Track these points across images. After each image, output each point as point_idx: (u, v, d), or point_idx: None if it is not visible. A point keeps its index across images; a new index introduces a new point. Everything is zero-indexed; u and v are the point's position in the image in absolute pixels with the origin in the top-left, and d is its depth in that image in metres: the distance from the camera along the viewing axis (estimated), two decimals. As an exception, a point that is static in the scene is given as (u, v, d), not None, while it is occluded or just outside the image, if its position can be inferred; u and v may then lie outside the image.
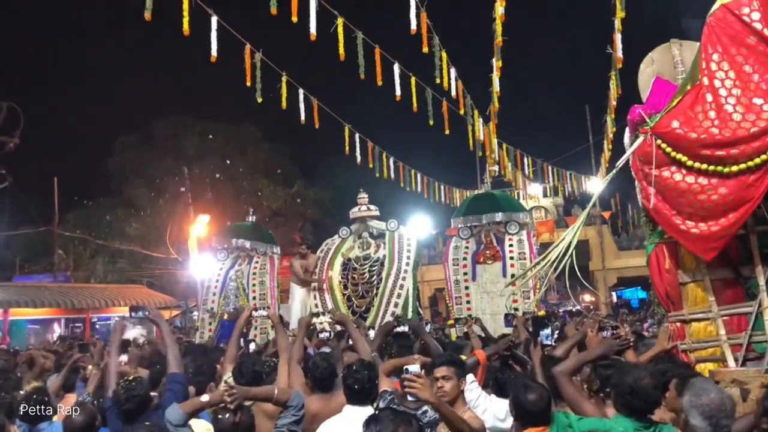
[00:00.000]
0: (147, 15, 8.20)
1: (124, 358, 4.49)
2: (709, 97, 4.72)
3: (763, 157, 4.49)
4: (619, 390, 3.03)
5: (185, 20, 8.44)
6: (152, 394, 3.82)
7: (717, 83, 4.74)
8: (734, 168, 4.57)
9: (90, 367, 4.55)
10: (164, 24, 9.23)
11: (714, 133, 4.62)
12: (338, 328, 7.01)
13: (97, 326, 20.20)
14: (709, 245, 4.72)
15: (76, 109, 35.71)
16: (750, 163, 4.52)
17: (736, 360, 4.87)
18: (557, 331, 8.18)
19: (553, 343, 4.67)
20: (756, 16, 4.64)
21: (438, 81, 11.08)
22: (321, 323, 9.29)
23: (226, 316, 10.47)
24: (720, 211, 4.62)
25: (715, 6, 4.82)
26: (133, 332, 11.83)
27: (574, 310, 18.54)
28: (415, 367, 3.05)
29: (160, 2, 8.32)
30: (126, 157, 30.05)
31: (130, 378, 3.60)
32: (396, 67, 11.02)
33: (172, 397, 3.65)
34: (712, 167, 4.64)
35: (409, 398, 2.99)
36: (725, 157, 4.59)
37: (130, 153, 30.02)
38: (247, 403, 3.99)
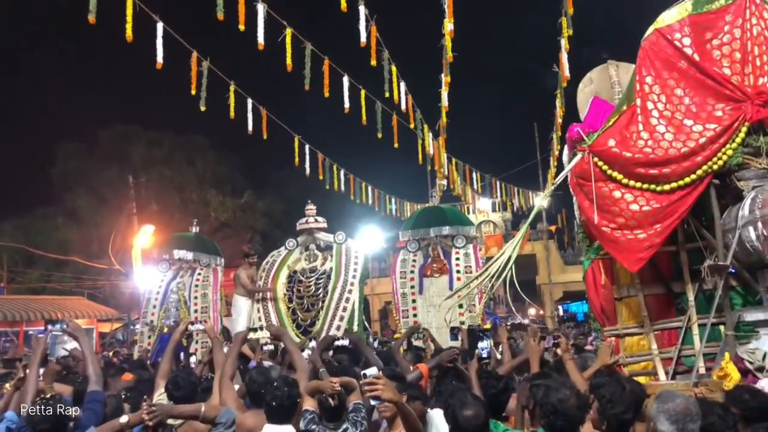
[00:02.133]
0: (91, 18, 7.96)
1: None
2: (643, 118, 4.88)
3: (693, 176, 4.67)
4: (543, 409, 3.04)
5: (128, 26, 8.24)
6: (75, 412, 3.63)
7: (650, 105, 4.90)
8: (666, 187, 4.72)
9: (7, 385, 4.30)
10: (109, 30, 9.00)
11: (647, 153, 4.78)
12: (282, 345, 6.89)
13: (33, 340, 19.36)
14: (636, 255, 4.82)
15: (16, 115, 34.46)
16: (681, 182, 4.68)
17: (666, 373, 5.00)
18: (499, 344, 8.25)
19: (488, 356, 4.68)
20: (687, 41, 4.83)
21: (387, 95, 11.12)
22: (263, 338, 9.12)
23: (165, 330, 10.15)
24: (649, 221, 4.75)
25: (649, 30, 5.00)
26: (71, 345, 11.32)
27: (520, 323, 18.80)
28: (372, 370, 3.06)
29: (104, 7, 8.10)
30: (69, 165, 29.11)
31: (47, 396, 3.41)
32: (345, 80, 11.01)
33: (92, 417, 3.48)
34: (645, 185, 4.78)
35: (373, 402, 2.97)
36: (658, 176, 4.74)
37: (73, 161, 29.10)
38: (178, 422, 3.87)
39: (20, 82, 36.44)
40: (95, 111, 30.30)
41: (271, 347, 7.98)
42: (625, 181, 4.80)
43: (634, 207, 4.76)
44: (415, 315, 10.21)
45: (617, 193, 4.83)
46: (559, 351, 4.49)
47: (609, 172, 4.86)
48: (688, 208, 4.70)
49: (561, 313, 30.24)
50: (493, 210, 30.48)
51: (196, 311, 10.34)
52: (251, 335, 8.80)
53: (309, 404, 3.66)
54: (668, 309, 5.25)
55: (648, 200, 4.73)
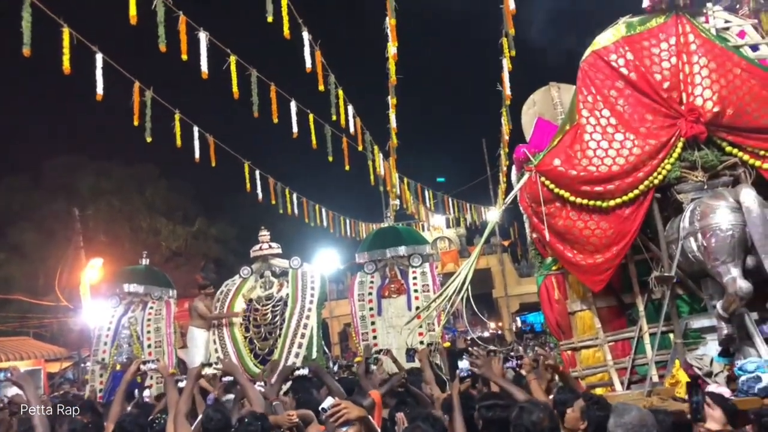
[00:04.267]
0: (26, 51, 7.73)
1: None
2: (586, 137, 5.03)
3: (636, 191, 4.84)
4: (517, 430, 3.05)
5: (65, 57, 8.04)
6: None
7: (592, 122, 5.07)
8: (611, 203, 4.88)
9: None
10: (48, 61, 8.77)
11: (592, 171, 4.93)
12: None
13: (-24, 384, 18.44)
14: (597, 277, 5.00)
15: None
16: (625, 198, 4.85)
17: (622, 383, 5.12)
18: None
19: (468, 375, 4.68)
20: (622, 62, 5.03)
21: (335, 118, 11.15)
22: (220, 372, 8.91)
23: (118, 367, 9.82)
24: (603, 244, 4.91)
25: (587, 52, 5.19)
26: (12, 391, 10.83)
27: (476, 338, 18.93)
28: (329, 401, 3.03)
29: (41, 39, 7.89)
30: (11, 199, 28.11)
31: None
32: (292, 105, 10.99)
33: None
34: (592, 202, 4.93)
35: (342, 429, 2.93)
36: (603, 193, 4.90)
37: (16, 195, 28.13)
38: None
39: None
40: (38, 143, 29.37)
41: (231, 378, 7.80)
42: (572, 198, 4.93)
43: (587, 233, 4.91)
44: (374, 337, 10.16)
45: (568, 222, 4.99)
46: (523, 371, 4.55)
47: (556, 190, 4.99)
48: (638, 227, 4.88)
49: (519, 324, 30.62)
50: (447, 226, 30.76)
51: (149, 346, 10.04)
52: (207, 370, 8.59)
53: None
54: (620, 320, 5.40)
55: (598, 223, 4.88)
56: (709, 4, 5.22)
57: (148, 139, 10.06)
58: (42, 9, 7.85)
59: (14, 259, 27.28)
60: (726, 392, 3.93)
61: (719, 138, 4.92)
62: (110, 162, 29.39)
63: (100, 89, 8.76)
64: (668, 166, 4.83)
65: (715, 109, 4.82)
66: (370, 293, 10.44)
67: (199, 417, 4.61)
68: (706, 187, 4.84)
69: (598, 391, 5.15)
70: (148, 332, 10.18)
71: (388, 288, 10.46)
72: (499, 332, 27.40)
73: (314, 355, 9.71)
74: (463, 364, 4.79)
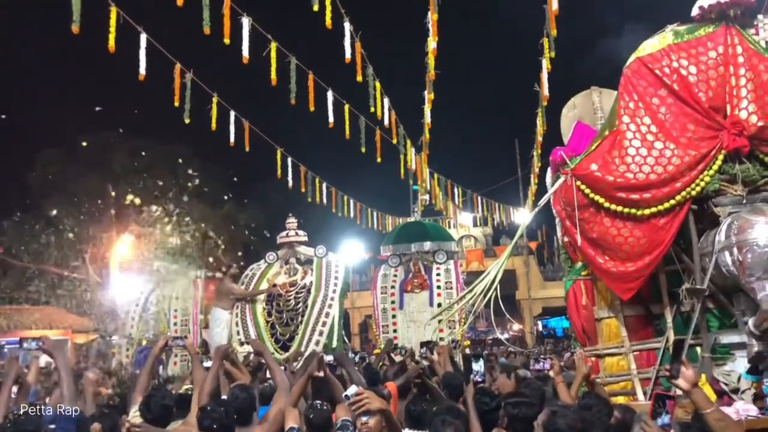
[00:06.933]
0: (75, 28, 7.86)
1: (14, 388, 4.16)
2: (625, 143, 4.99)
3: (672, 202, 4.79)
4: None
5: (111, 36, 8.17)
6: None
7: (632, 129, 5.03)
8: (646, 211, 4.84)
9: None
10: (93, 38, 8.92)
11: (629, 178, 4.89)
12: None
13: (6, 350, 18.98)
14: (627, 285, 4.97)
15: (-7, 119, 33.85)
16: (660, 207, 4.80)
17: (645, 394, 5.08)
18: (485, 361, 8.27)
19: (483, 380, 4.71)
20: (667, 70, 4.97)
21: (372, 110, 11.15)
22: (243, 352, 9.02)
23: (144, 342, 10.05)
24: (636, 253, 4.88)
25: (631, 58, 5.13)
26: (43, 360, 11.11)
27: (501, 338, 18.94)
28: (353, 389, 3.08)
29: (88, 16, 8.03)
30: (47, 171, 28.69)
31: (20, 413, 3.32)
32: (329, 94, 11.03)
33: (63, 436, 3.41)
34: (627, 210, 4.90)
35: (363, 418, 2.99)
36: (638, 201, 4.86)
37: (53, 168, 28.69)
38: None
39: (-1, 87, 35.89)
40: (77, 118, 29.86)
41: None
42: (606, 204, 4.91)
43: (619, 240, 4.89)
44: (395, 330, 10.22)
45: (602, 228, 4.96)
46: (551, 374, 4.56)
47: (591, 195, 4.96)
48: (672, 237, 4.84)
49: (540, 328, 30.40)
50: (474, 225, 30.59)
51: (175, 324, 10.24)
52: (238, 348, 8.71)
53: (293, 421, 3.62)
54: (647, 330, 5.36)
55: (631, 231, 4.85)
56: (760, 16, 5.13)
57: (187, 121, 10.17)
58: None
59: (47, 231, 27.89)
60: (753, 410, 3.88)
61: (762, 152, 4.84)
62: (144, 141, 29.81)
63: (142, 69, 8.87)
64: (707, 178, 4.77)
65: (760, 123, 4.75)
66: (393, 287, 10.50)
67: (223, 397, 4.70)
68: (745, 201, 4.77)
69: (620, 400, 5.13)
70: (175, 310, 10.38)
71: (411, 282, 10.50)
72: (520, 335, 27.25)
73: (335, 343, 9.79)
74: (477, 366, 4.81)
